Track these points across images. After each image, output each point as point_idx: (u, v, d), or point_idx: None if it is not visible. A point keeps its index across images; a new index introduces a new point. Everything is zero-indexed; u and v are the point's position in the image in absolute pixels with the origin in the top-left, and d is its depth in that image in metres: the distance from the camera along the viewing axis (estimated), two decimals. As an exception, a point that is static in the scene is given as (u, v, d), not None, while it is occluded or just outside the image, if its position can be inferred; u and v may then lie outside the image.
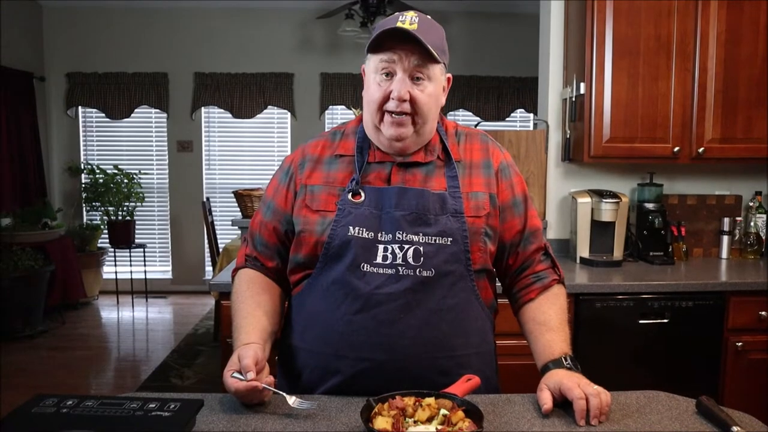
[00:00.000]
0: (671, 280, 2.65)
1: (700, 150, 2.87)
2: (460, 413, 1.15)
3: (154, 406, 1.11)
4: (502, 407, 1.30)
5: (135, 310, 5.92)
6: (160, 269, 6.57)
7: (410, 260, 1.32)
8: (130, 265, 6.13)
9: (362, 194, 1.36)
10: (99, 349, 4.88)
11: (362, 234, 1.32)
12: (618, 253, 3.00)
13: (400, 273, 1.32)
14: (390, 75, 1.34)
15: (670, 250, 3.06)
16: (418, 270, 1.32)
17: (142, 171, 6.34)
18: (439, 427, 1.13)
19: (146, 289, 6.26)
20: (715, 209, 3.19)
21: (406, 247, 1.32)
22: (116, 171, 6.11)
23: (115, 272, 6.13)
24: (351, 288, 1.32)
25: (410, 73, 1.33)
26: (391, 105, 1.34)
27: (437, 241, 1.34)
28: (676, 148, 2.87)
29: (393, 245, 1.32)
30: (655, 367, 2.60)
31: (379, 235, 1.33)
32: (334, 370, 1.35)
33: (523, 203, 1.48)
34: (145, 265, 6.26)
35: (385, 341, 1.31)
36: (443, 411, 1.17)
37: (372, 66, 1.37)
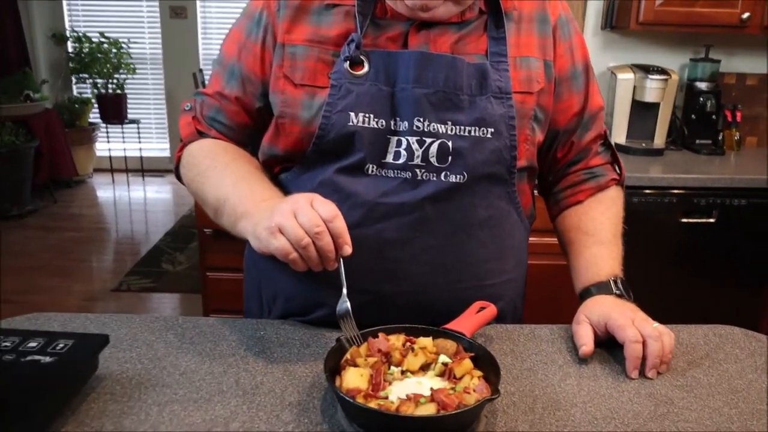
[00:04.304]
0: (721, 173, 2.25)
1: (775, 17, 2.36)
2: (468, 362, 0.82)
3: (34, 345, 0.79)
4: (524, 346, 0.97)
5: (131, 190, 5.65)
6: (157, 146, 6.21)
7: (433, 160, 0.94)
8: (123, 142, 5.79)
9: (366, 63, 0.94)
10: (90, 230, 4.65)
11: (368, 123, 0.93)
12: (660, 140, 2.58)
13: (419, 177, 0.94)
14: None
15: (720, 138, 2.63)
16: (443, 174, 0.95)
17: (131, 40, 5.81)
18: (437, 383, 0.80)
19: (142, 168, 5.94)
20: (778, 91, 2.72)
21: (429, 141, 0.94)
22: (103, 39, 5.58)
23: (109, 149, 5.80)
24: (347, 193, 0.95)
25: None
26: None
27: (473, 134, 0.95)
28: (746, 14, 2.36)
29: (410, 138, 0.94)
30: (696, 272, 2.28)
31: (393, 123, 0.94)
32: (318, 303, 1.01)
33: (583, 74, 1.07)
34: (140, 142, 5.91)
35: (391, 267, 0.96)
36: (443, 358, 0.84)
37: None
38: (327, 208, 0.80)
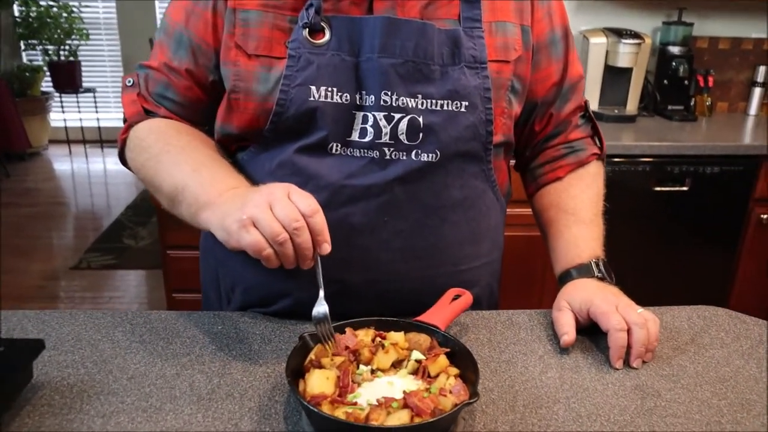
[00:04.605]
0: (694, 140, 2.22)
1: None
2: (443, 359, 0.76)
3: (-43, 354, 0.70)
4: (501, 335, 0.91)
5: (90, 162, 5.43)
6: (115, 116, 5.95)
7: (403, 137, 0.86)
8: (79, 112, 5.54)
9: (327, 30, 0.84)
10: (48, 205, 4.46)
11: (331, 97, 0.84)
12: (632, 106, 2.53)
13: (387, 156, 0.86)
14: None
15: (692, 103, 2.60)
16: (414, 152, 0.87)
17: (83, 3, 5.51)
18: (410, 383, 0.73)
19: (101, 138, 5.71)
20: (750, 55, 2.68)
21: (397, 116, 0.85)
22: (52, 2, 5.29)
23: (64, 120, 5.54)
24: (308, 175, 0.86)
25: None
26: None
27: (445, 108, 0.87)
28: (720, -25, 2.30)
29: (377, 114, 0.85)
30: (669, 240, 2.26)
31: (358, 97, 0.85)
32: (281, 293, 0.93)
33: (563, 41, 1.00)
34: (96, 112, 5.66)
35: (359, 255, 0.89)
36: (416, 355, 0.77)
37: None
38: (306, 201, 0.72)
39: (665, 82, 2.57)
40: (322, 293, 0.76)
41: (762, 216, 2.24)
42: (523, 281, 2.26)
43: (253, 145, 0.90)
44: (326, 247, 0.73)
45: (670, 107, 2.59)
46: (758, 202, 2.24)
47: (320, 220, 0.72)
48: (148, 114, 0.94)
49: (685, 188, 2.20)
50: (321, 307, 0.76)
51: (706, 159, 2.18)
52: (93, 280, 3.29)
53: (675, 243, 2.26)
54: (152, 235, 3.77)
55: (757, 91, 2.66)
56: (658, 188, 2.19)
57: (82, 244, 3.70)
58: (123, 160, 0.97)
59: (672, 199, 2.21)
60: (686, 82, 2.56)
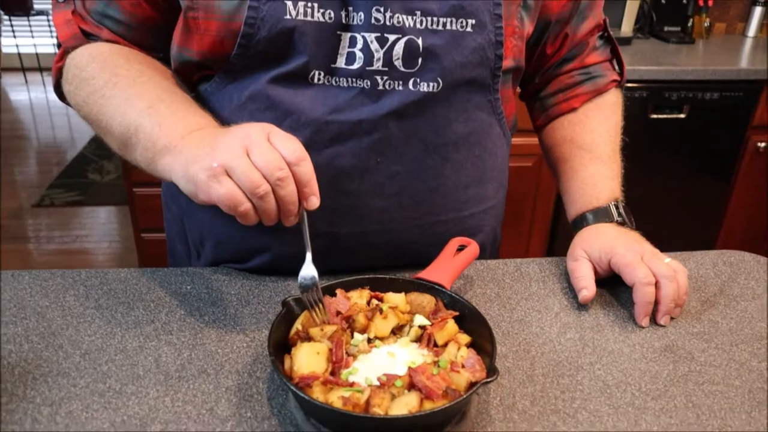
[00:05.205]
0: (692, 64, 2.09)
1: None
2: (451, 326, 0.65)
3: None
4: (511, 288, 0.81)
5: (48, 91, 5.12)
6: (74, 42, 5.61)
7: (398, 64, 0.72)
8: (32, 37, 5.18)
9: None
10: (6, 138, 4.19)
11: (312, 15, 0.69)
12: (627, 27, 2.38)
13: (380, 87, 0.73)
14: None
15: (689, 24, 2.45)
16: (412, 81, 0.73)
17: None
18: (414, 353, 0.63)
19: (59, 66, 5.37)
20: (751, -29, 2.52)
21: (392, 38, 0.71)
22: None
23: (16, 45, 5.18)
24: (286, 110, 0.73)
25: None
26: None
27: (448, 27, 0.72)
28: None
29: (368, 35, 0.71)
30: (663, 169, 2.17)
31: (344, 15, 0.70)
32: (258, 248, 0.81)
33: None
34: (51, 36, 5.29)
35: (349, 203, 0.77)
36: (419, 320, 0.67)
37: None
38: (291, 145, 0.59)
39: (662, 1, 2.41)
40: (309, 255, 0.64)
41: (759, 144, 2.15)
42: (511, 218, 2.16)
43: (218, 75, 0.76)
44: (314, 201, 0.61)
45: (666, 28, 2.44)
46: (756, 129, 2.15)
47: (308, 169, 0.59)
48: (88, 38, 0.77)
49: (682, 116, 2.09)
50: (308, 271, 0.64)
51: (706, 84, 2.06)
52: (58, 218, 3.13)
53: (669, 173, 2.18)
54: (119, 169, 3.57)
55: (758, 11, 2.52)
56: (654, 115, 2.08)
57: (46, 180, 3.50)
58: (60, 95, 0.81)
59: (669, 128, 2.10)
60: (684, 1, 2.41)
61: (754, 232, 2.31)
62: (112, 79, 0.73)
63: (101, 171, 3.57)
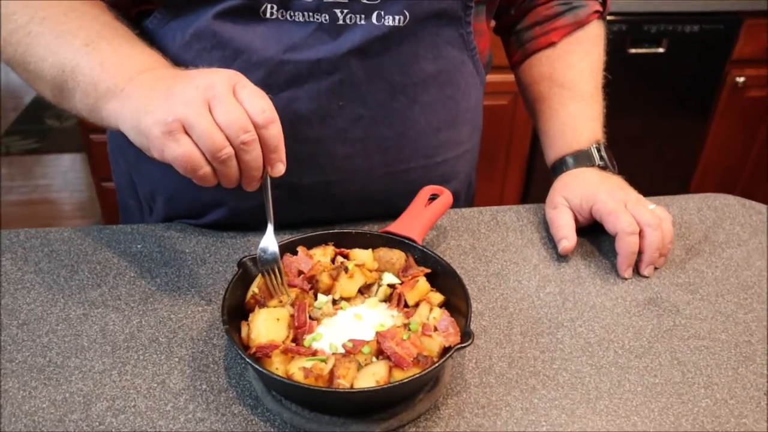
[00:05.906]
0: (673, -5, 2.01)
1: None
2: (423, 284, 0.60)
3: None
4: (487, 239, 0.76)
5: None
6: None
7: None
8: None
9: None
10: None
11: None
12: (606, -44, 2.27)
13: (340, 21, 0.65)
14: None
15: (670, -48, 2.35)
16: (375, 14, 0.65)
17: None
18: (383, 314, 0.58)
19: (9, 4, 5.05)
20: None
21: None
22: None
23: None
24: (235, 48, 0.65)
25: None
26: None
27: None
28: None
29: None
30: (641, 106, 2.12)
31: None
32: (212, 203, 0.74)
33: None
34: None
35: (308, 150, 0.70)
36: (388, 278, 0.62)
37: None
38: (260, 103, 0.51)
39: (643, -74, 2.30)
40: (270, 227, 0.58)
41: (738, 79, 2.10)
42: (484, 160, 2.11)
43: (159, 10, 0.67)
44: (280, 168, 0.54)
45: (646, -44, 2.34)
46: (735, 64, 2.09)
47: (276, 132, 0.52)
48: None
49: (661, 50, 2.02)
50: (268, 245, 0.58)
51: (686, 17, 1.99)
52: (16, 167, 2.99)
53: (646, 110, 2.13)
54: (78, 114, 3.42)
55: (740, -62, 2.42)
56: (633, 50, 2.01)
57: (1, 127, 3.34)
58: None
59: (647, 62, 2.04)
60: (666, -73, 2.30)
61: (730, 169, 2.30)
62: (39, 13, 0.64)
63: (59, 116, 3.40)
